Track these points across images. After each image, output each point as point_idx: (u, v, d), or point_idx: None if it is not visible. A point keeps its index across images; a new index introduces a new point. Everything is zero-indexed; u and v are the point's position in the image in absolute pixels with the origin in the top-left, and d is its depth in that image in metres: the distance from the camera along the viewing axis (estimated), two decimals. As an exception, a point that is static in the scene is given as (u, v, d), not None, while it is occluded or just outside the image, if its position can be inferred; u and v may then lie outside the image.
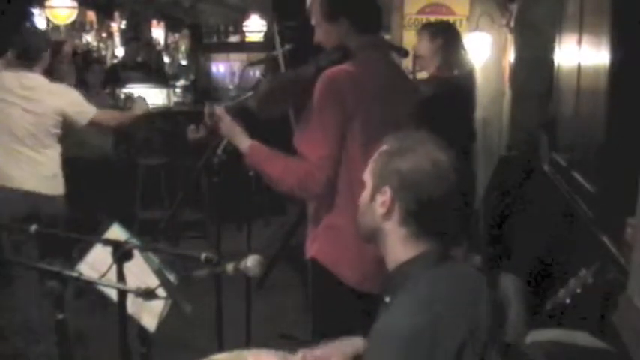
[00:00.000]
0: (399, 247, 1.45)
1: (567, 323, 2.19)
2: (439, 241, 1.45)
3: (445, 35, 3.42)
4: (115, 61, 10.63)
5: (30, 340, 3.33)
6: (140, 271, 1.78)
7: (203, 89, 8.16)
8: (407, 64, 3.54)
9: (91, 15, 11.83)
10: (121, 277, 1.70)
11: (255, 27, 10.41)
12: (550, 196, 3.56)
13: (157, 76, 7.66)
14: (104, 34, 12.90)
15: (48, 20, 8.90)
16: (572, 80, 3.38)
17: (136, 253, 1.73)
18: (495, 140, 5.11)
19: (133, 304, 1.77)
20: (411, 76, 3.32)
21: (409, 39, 4.74)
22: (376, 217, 1.47)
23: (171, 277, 1.79)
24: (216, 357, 1.81)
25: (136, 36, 10.28)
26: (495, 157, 4.75)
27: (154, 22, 13.93)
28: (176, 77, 10.27)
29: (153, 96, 6.06)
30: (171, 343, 2.97)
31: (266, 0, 8.05)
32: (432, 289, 1.39)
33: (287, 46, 2.69)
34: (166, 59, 12.11)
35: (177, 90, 7.79)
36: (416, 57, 3.52)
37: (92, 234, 2.11)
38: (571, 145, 3.41)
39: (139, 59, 7.69)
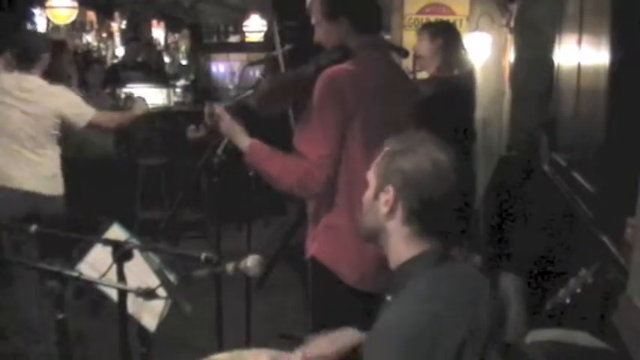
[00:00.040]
0: (401, 246, 1.46)
1: (567, 323, 2.19)
2: (440, 241, 1.46)
3: (445, 35, 3.42)
4: (115, 61, 10.61)
5: (30, 340, 3.32)
6: (140, 271, 1.77)
7: (203, 89, 8.14)
8: (407, 64, 3.53)
9: (91, 15, 11.81)
10: (121, 277, 1.70)
11: (255, 27, 10.42)
12: (550, 196, 3.56)
13: (157, 76, 7.64)
14: (104, 34, 12.87)
15: (48, 20, 8.90)
16: (572, 80, 3.38)
17: (136, 253, 1.73)
18: (495, 140, 5.10)
19: (133, 304, 1.77)
20: (411, 76, 3.31)
21: (409, 39, 4.74)
22: (379, 216, 1.48)
23: (172, 277, 1.79)
24: (216, 357, 1.82)
25: (136, 36, 10.26)
26: (495, 157, 4.75)
27: (154, 22, 13.93)
28: (176, 77, 10.26)
29: (153, 96, 6.05)
30: (171, 343, 2.96)
31: (266, 0, 8.05)
32: (433, 289, 1.40)
33: (287, 46, 2.68)
34: (166, 59, 12.12)
35: (178, 90, 7.79)
36: (416, 57, 3.52)
37: (92, 234, 2.10)
38: (571, 145, 3.41)
39: (139, 59, 7.68)
